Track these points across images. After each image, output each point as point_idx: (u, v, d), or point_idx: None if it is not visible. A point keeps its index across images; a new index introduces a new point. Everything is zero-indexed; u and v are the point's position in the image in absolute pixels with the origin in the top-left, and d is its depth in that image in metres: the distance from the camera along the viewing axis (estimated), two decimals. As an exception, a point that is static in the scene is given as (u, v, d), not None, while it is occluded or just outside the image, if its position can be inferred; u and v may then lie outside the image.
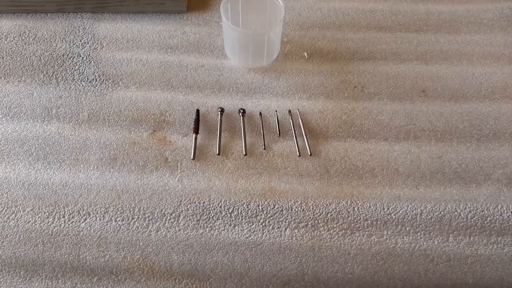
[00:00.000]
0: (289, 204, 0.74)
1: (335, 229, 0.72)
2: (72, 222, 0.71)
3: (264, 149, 0.80)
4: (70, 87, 0.86)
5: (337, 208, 0.73)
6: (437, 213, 0.73)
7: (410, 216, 0.73)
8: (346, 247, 0.71)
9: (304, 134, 0.80)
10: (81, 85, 0.87)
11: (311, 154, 0.78)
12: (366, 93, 0.87)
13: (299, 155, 0.78)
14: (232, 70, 0.90)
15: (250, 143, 0.81)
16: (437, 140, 0.81)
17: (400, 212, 0.73)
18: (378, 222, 0.73)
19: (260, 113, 0.84)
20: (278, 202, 0.74)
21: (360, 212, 0.73)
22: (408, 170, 0.77)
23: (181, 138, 0.81)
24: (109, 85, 0.87)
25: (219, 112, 0.83)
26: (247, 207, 0.74)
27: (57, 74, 0.88)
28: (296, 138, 0.80)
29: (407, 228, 0.72)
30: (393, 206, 0.74)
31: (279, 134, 0.82)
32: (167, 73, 0.90)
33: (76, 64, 0.89)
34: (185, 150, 0.80)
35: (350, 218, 0.73)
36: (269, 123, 0.84)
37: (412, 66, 0.90)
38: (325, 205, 0.73)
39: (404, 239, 0.71)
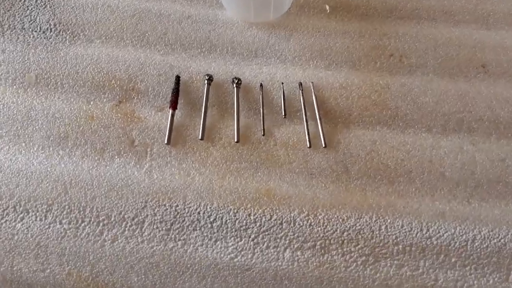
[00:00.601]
0: (292, 215, 0.60)
1: (352, 255, 0.58)
2: (5, 221, 0.59)
3: (263, 135, 0.66)
4: (18, 38, 0.72)
5: (357, 224, 0.60)
6: (495, 240, 0.58)
7: (457, 243, 0.58)
8: (367, 280, 0.56)
9: (318, 117, 0.66)
10: (31, 36, 0.73)
11: (325, 146, 0.64)
12: (405, 65, 0.72)
13: (310, 146, 0.64)
14: (227, 24, 0.76)
15: (245, 125, 0.67)
16: (499, 135, 0.65)
17: (445, 236, 0.59)
18: (413, 249, 0.58)
19: (261, 85, 0.69)
20: (277, 211, 0.60)
21: (389, 233, 0.59)
22: (458, 175, 0.62)
23: (153, 114, 0.68)
24: (67, 37, 0.73)
25: (206, 81, 0.69)
26: (235, 216, 0.60)
27: (2, 20, 0.73)
28: (306, 122, 0.66)
29: (453, 260, 0.57)
30: (435, 227, 0.59)
31: (285, 115, 0.67)
32: (141, 24, 0.76)
33: (28, 8, 0.74)
34: (158, 131, 0.66)
35: (374, 240, 0.58)
36: (272, 100, 0.69)
37: (469, 31, 0.74)
38: (340, 220, 0.60)
39: (448, 274, 0.57)
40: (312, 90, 0.69)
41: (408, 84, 0.70)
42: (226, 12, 0.77)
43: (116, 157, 0.64)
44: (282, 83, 0.70)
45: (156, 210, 0.60)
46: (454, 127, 0.67)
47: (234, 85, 0.69)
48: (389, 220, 0.60)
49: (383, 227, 0.60)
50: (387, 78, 0.71)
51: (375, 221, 0.60)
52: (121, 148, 0.64)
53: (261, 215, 0.60)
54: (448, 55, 0.73)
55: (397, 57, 0.73)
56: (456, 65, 0.72)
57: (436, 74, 0.71)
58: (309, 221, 0.60)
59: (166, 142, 0.64)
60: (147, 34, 0.75)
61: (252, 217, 0.60)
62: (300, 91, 0.69)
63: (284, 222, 0.60)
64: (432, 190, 0.61)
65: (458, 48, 0.74)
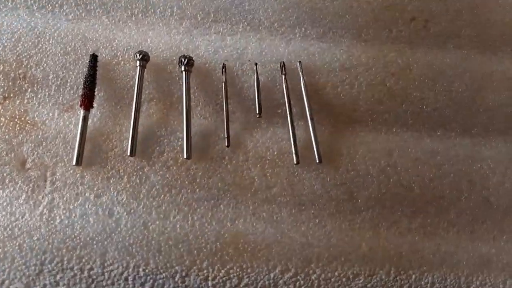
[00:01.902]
0: (272, 275, 0.46)
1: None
2: None
3: (228, 146, 0.50)
4: None
5: (369, 286, 0.47)
6: None
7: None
8: None
9: (309, 116, 0.51)
10: None
11: (320, 161, 0.49)
12: (432, 34, 0.56)
13: (297, 162, 0.49)
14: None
15: (200, 131, 0.51)
16: None
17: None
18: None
19: (224, 67, 0.53)
20: (250, 270, 0.46)
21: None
22: (508, 202, 0.50)
23: (56, 117, 0.51)
24: None
25: (138, 62, 0.52)
26: (183, 283, 0.45)
27: None
28: (292, 123, 0.50)
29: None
30: (478, 283, 0.48)
31: (260, 113, 0.51)
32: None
33: None
34: (63, 145, 0.50)
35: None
36: (240, 89, 0.53)
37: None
38: (344, 279, 0.47)
39: None
40: (301, 74, 0.53)
41: (437, 63, 0.55)
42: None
43: (-2, 186, 0.47)
44: (256, 64, 0.53)
45: (58, 277, 0.44)
46: (502, 128, 0.53)
47: (183, 68, 0.51)
48: (414, 276, 0.47)
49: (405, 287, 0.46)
50: (408, 54, 0.55)
51: (394, 278, 0.47)
52: (4, 174, 0.48)
53: (224, 279, 0.45)
54: (491, 21, 0.57)
55: (421, 21, 0.57)
56: (502, 35, 0.57)
57: (474, 48, 0.56)
58: (298, 284, 0.45)
59: (75, 162, 0.48)
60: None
61: (210, 283, 0.45)
62: (283, 75, 0.52)
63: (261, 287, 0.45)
64: (473, 225, 0.49)
65: (504, 11, 0.58)
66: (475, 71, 0.55)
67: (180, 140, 0.50)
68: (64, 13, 0.56)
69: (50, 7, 0.56)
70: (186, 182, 0.49)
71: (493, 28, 0.58)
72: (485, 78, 0.55)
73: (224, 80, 0.52)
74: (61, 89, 0.52)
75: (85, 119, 0.49)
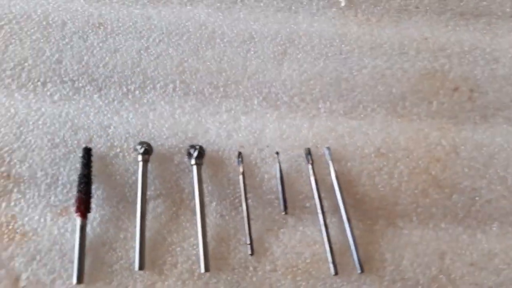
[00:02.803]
0: None
1: None
2: None
3: (251, 254, 0.56)
4: None
5: None
6: None
7: None
8: None
9: (345, 217, 0.57)
10: None
11: (362, 270, 0.55)
12: (479, 106, 0.65)
13: (335, 273, 0.55)
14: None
15: (217, 234, 0.57)
16: None
17: None
18: None
19: (240, 155, 0.60)
20: None
21: None
22: None
23: (50, 223, 0.56)
24: None
25: (140, 156, 0.58)
26: None
27: None
28: (325, 225, 0.56)
29: None
30: None
31: (285, 209, 0.57)
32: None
33: None
34: (59, 257, 0.55)
35: None
36: (260, 181, 0.60)
37: None
38: None
39: None
40: (330, 163, 0.59)
41: (486, 143, 0.62)
42: None
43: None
44: (277, 153, 0.60)
45: None
46: None
47: (193, 161, 0.58)
48: None
49: None
50: (452, 133, 0.63)
51: None
52: None
53: None
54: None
55: (465, 91, 0.65)
56: None
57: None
58: None
59: (75, 280, 0.52)
60: (26, 64, 0.63)
61: None
62: (309, 165, 0.59)
63: None
64: None
65: None
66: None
67: (195, 247, 0.55)
68: (48, 93, 0.62)
69: (32, 86, 0.62)
70: (204, 300, 0.54)
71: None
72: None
73: (241, 171, 0.59)
74: (52, 188, 0.57)
75: (82, 228, 0.54)
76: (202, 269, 0.54)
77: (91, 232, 0.55)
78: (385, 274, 0.56)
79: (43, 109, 0.60)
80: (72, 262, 0.53)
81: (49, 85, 0.62)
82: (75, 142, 0.59)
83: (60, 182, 0.58)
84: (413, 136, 0.62)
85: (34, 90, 0.61)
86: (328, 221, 0.57)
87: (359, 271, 0.55)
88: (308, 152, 0.59)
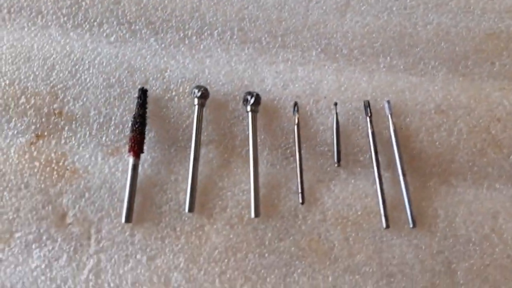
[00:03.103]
0: None
1: None
2: None
3: (302, 203, 0.55)
4: None
5: None
6: None
7: None
8: None
9: (400, 168, 0.56)
10: None
11: (414, 225, 0.55)
12: None
13: (386, 226, 0.54)
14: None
15: (267, 182, 0.56)
16: None
17: None
18: None
19: (295, 105, 0.58)
20: None
21: None
22: None
23: (100, 161, 0.56)
24: None
25: (196, 100, 0.57)
26: None
27: None
28: (379, 178, 0.55)
29: None
30: None
31: (338, 161, 0.57)
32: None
33: None
34: (109, 196, 0.55)
35: None
36: (315, 133, 0.59)
37: None
38: None
39: None
40: (389, 116, 0.57)
41: None
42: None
43: (31, 247, 0.52)
44: (336, 104, 0.58)
45: None
46: None
47: (248, 108, 0.57)
48: None
49: None
50: None
51: None
52: (41, 230, 0.52)
53: None
54: None
55: None
56: None
57: None
58: None
59: (124, 219, 0.53)
60: (83, 3, 0.62)
61: None
62: (368, 117, 0.57)
63: None
64: None
65: None
66: None
67: (245, 193, 0.55)
68: (105, 34, 0.61)
69: (87, 26, 0.61)
70: (254, 245, 0.54)
71: None
72: None
73: (296, 121, 0.57)
74: (105, 128, 0.57)
75: (135, 168, 0.54)
76: (252, 214, 0.53)
77: (142, 173, 0.55)
78: (437, 230, 0.55)
79: (99, 49, 0.60)
80: (121, 201, 0.53)
81: (105, 26, 0.61)
82: (131, 83, 0.58)
83: (112, 122, 0.57)
84: (474, 94, 0.60)
85: (90, 30, 0.61)
86: (383, 176, 0.56)
87: (411, 226, 0.54)
88: (368, 104, 0.57)
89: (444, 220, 0.55)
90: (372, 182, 0.55)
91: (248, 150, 0.55)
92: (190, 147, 0.54)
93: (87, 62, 0.59)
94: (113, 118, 0.57)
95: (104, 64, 0.59)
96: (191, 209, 0.53)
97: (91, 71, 0.59)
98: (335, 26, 0.62)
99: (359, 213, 0.55)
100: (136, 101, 0.56)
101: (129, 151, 0.54)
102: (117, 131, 0.57)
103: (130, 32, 0.61)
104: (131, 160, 0.54)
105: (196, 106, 0.56)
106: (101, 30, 0.61)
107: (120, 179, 0.55)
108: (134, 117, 0.55)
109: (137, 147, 0.54)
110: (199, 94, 0.56)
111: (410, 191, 0.55)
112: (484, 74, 0.61)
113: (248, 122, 0.56)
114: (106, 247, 0.53)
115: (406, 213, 0.54)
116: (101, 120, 0.57)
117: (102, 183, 0.55)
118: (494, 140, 0.58)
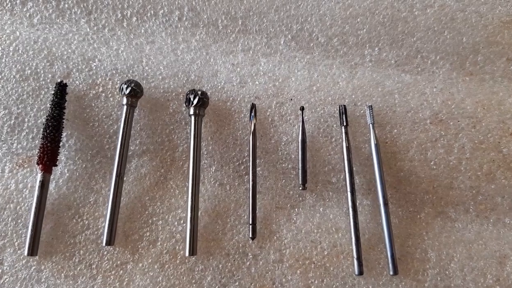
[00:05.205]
0: None
1: None
2: None
3: (252, 238, 0.43)
4: None
5: None
6: None
7: None
8: None
9: (381, 199, 0.42)
10: None
11: (395, 272, 0.41)
12: None
13: (359, 272, 0.41)
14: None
15: (212, 207, 0.44)
16: None
17: None
18: None
19: (253, 107, 0.45)
20: None
21: None
22: None
23: (8, 174, 0.44)
24: None
25: (125, 99, 0.44)
26: None
27: None
28: (354, 205, 0.42)
29: None
30: None
31: (304, 183, 0.43)
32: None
33: None
34: (14, 218, 0.43)
35: None
36: (273, 144, 0.46)
37: None
38: None
39: None
40: (370, 126, 0.45)
41: None
42: None
43: None
44: (302, 109, 0.45)
45: None
46: None
47: (192, 110, 0.45)
48: None
49: None
50: None
51: None
52: None
53: None
54: None
55: None
56: None
57: None
58: None
59: (27, 251, 0.41)
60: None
61: None
62: (343, 127, 0.45)
63: None
64: None
65: None
66: None
67: (182, 222, 0.43)
68: (28, 14, 0.48)
69: (9, 4, 0.49)
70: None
71: None
72: None
73: (252, 129, 0.45)
74: (16, 132, 0.45)
75: (43, 185, 0.42)
76: (187, 252, 0.41)
77: (55, 191, 0.44)
78: (426, 279, 0.43)
79: (17, 33, 0.47)
80: (27, 227, 0.42)
81: (29, 4, 0.49)
82: (49, 75, 0.46)
83: (25, 125, 0.45)
84: (483, 100, 0.47)
85: (11, 10, 0.49)
86: (358, 203, 0.44)
87: (391, 273, 0.42)
88: (344, 110, 0.45)
89: (436, 266, 0.43)
90: (345, 212, 0.44)
91: (189, 173, 0.42)
92: (115, 159, 0.42)
93: (0, 48, 0.46)
94: (26, 119, 0.45)
95: (20, 51, 0.47)
96: (109, 242, 0.41)
97: (3, 60, 0.46)
98: (310, 7, 0.49)
99: (325, 252, 0.43)
100: (51, 98, 0.43)
101: (38, 163, 0.41)
102: (30, 136, 0.45)
103: (58, 12, 0.49)
104: (39, 175, 0.41)
105: (125, 107, 0.44)
106: (24, 9, 0.49)
107: (28, 198, 0.44)
108: (47, 119, 0.43)
109: (47, 159, 0.42)
110: (127, 91, 0.43)
111: (393, 226, 0.43)
112: (498, 73, 0.49)
113: (190, 129, 0.42)
114: (8, 285, 0.41)
115: (387, 255, 0.42)
116: (12, 122, 0.45)
117: (6, 203, 0.44)
118: (505, 161, 0.46)
